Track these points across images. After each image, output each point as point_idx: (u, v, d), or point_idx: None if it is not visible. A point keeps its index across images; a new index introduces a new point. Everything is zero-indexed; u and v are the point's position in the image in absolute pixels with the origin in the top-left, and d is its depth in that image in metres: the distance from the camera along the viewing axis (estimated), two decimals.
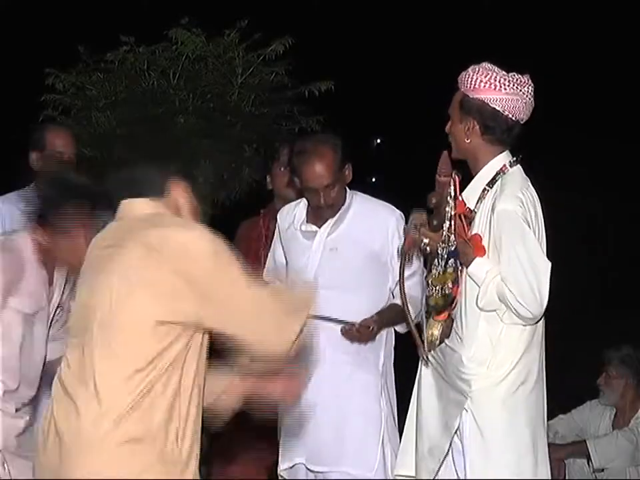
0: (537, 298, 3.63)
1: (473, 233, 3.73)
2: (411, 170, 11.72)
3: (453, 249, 3.70)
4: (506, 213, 3.67)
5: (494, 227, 3.67)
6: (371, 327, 4.27)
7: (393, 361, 4.49)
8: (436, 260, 3.74)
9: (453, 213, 3.71)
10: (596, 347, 6.39)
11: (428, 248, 3.74)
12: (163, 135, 7.48)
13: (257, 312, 2.77)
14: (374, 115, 11.76)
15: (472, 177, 3.92)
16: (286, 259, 4.52)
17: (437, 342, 3.82)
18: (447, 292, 3.71)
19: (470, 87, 3.76)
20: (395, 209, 4.46)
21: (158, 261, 2.70)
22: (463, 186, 3.93)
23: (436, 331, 3.81)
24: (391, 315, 4.35)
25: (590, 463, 5.78)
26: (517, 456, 3.74)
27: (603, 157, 10.61)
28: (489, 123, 3.75)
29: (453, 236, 3.73)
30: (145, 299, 2.70)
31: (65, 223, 3.55)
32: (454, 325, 3.79)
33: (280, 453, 4.43)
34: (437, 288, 3.73)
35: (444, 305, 3.73)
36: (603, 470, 5.80)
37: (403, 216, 4.42)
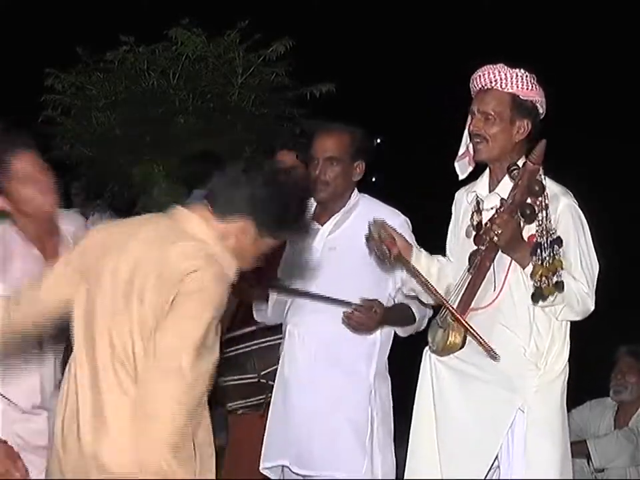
0: (594, 291, 3.69)
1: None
2: (411, 170, 11.74)
3: (555, 236, 3.64)
4: (572, 207, 3.71)
5: (556, 221, 3.66)
6: (374, 309, 4.18)
7: (387, 370, 4.39)
8: (538, 250, 3.66)
9: (546, 202, 3.66)
10: (596, 346, 6.38)
11: (498, 238, 3.62)
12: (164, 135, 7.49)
13: (167, 375, 2.72)
14: (374, 115, 11.75)
15: (474, 175, 3.94)
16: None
17: (458, 348, 3.78)
18: (558, 280, 3.61)
19: (519, 88, 3.75)
20: (400, 214, 4.38)
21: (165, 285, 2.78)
22: (467, 181, 3.94)
23: (459, 337, 3.76)
24: (396, 312, 4.29)
25: (590, 463, 5.78)
26: (563, 456, 3.73)
27: (602, 157, 10.62)
28: (538, 124, 3.79)
29: (550, 223, 3.66)
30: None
31: None
32: (500, 317, 3.72)
33: (263, 451, 4.38)
34: (548, 276, 3.60)
35: (555, 291, 3.62)
36: (603, 470, 5.80)
37: (409, 222, 4.39)
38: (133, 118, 7.66)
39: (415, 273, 3.84)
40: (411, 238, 4.27)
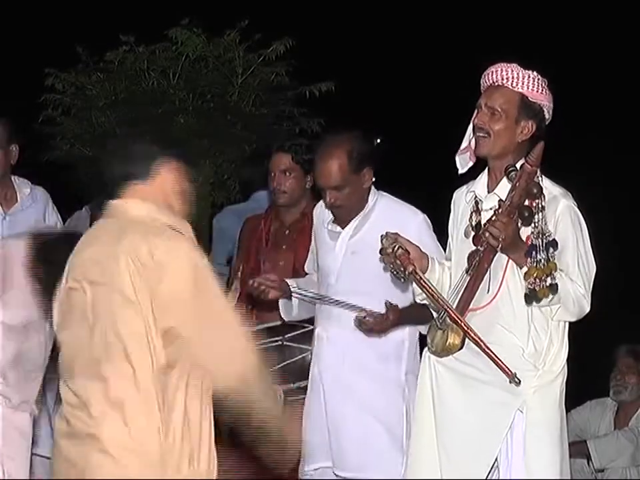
0: (590, 292, 3.69)
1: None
2: (412, 169, 11.72)
3: (551, 239, 3.63)
4: (571, 209, 3.72)
5: (555, 222, 3.67)
6: (386, 315, 4.17)
7: (418, 359, 4.32)
8: (533, 252, 3.65)
9: (543, 204, 3.65)
10: (596, 346, 6.38)
11: (499, 240, 3.60)
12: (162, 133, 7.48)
13: (225, 330, 2.86)
14: (374, 115, 11.74)
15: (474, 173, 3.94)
16: (317, 257, 4.52)
17: (457, 349, 3.77)
18: (552, 282, 3.60)
19: (529, 89, 3.76)
20: (419, 211, 4.38)
21: (144, 277, 2.79)
22: (471, 176, 3.94)
23: (458, 338, 3.75)
24: (413, 311, 4.25)
25: (590, 463, 5.78)
26: (561, 456, 3.73)
27: (603, 157, 10.61)
28: (543, 128, 3.79)
29: (546, 225, 3.66)
30: (136, 312, 2.79)
31: None
32: (498, 317, 3.72)
33: (304, 454, 4.39)
34: (542, 279, 3.60)
35: (549, 293, 3.63)
36: (603, 470, 5.80)
37: (428, 219, 4.38)
38: (133, 118, 7.66)
39: (429, 292, 3.76)
40: (431, 237, 4.30)
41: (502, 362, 3.63)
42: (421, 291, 3.86)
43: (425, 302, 3.95)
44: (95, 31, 8.54)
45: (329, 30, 11.07)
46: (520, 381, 3.62)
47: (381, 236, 3.80)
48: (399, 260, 3.74)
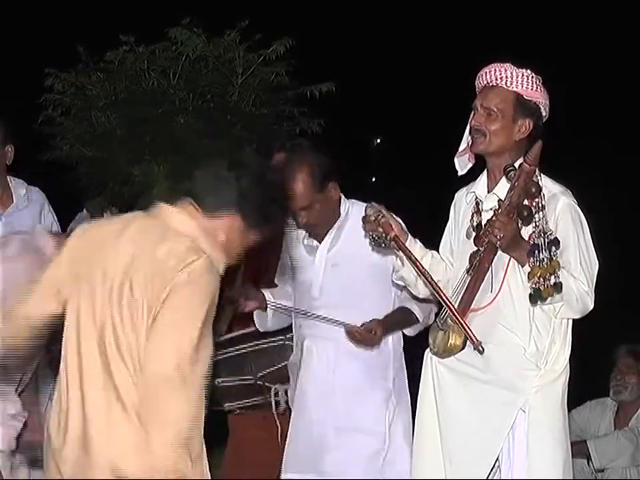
0: (593, 289, 3.70)
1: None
2: (411, 169, 11.73)
3: (552, 237, 3.65)
4: (571, 206, 3.73)
5: (555, 220, 3.69)
6: (374, 331, 4.24)
7: (405, 370, 4.44)
8: (535, 251, 3.65)
9: (543, 203, 3.67)
10: (596, 346, 6.38)
11: (500, 242, 3.63)
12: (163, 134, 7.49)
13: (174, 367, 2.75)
14: (374, 115, 11.76)
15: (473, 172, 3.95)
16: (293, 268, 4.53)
17: (459, 349, 3.78)
18: (557, 280, 3.62)
19: (524, 87, 3.79)
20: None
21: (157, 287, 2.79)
22: (472, 177, 3.95)
23: (459, 339, 3.76)
24: (397, 318, 4.34)
25: (590, 463, 5.79)
26: (564, 456, 3.75)
27: (603, 157, 10.61)
28: (540, 126, 3.80)
29: (547, 224, 3.67)
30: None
31: None
32: (499, 317, 3.74)
33: (284, 462, 4.40)
34: (546, 277, 3.61)
35: (554, 292, 3.64)
36: (603, 470, 5.81)
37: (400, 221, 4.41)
38: (133, 118, 7.66)
39: (409, 256, 3.83)
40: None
41: (468, 327, 3.63)
42: (399, 269, 3.93)
43: (400, 282, 4.01)
44: (95, 30, 8.55)
45: (329, 30, 11.09)
46: (483, 350, 3.63)
47: (366, 206, 3.88)
48: (381, 227, 3.80)
